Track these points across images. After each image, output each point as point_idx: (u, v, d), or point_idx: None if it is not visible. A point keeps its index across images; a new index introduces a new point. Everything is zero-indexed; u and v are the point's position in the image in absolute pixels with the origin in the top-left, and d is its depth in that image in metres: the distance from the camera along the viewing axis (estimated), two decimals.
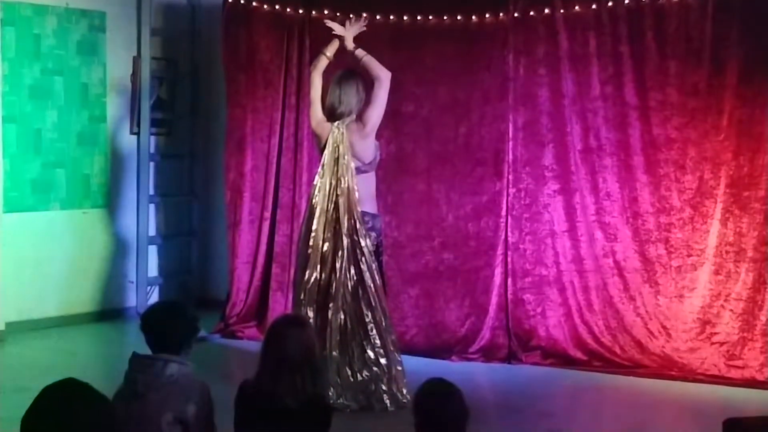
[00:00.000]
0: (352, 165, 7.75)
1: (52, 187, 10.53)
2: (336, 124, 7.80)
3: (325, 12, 9.77)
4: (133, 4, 11.13)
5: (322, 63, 8.01)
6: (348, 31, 8.01)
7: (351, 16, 8.45)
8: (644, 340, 8.93)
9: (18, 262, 10.19)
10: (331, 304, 7.67)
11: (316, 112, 7.94)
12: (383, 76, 7.82)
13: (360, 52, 7.90)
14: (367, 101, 7.88)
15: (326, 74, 8.10)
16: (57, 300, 10.61)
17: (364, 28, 8.12)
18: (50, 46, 10.48)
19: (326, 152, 7.79)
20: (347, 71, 8.04)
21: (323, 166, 7.80)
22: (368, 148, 7.86)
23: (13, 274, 10.11)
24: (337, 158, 7.74)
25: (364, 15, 8.37)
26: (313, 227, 7.76)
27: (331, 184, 7.76)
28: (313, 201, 7.81)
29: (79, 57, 10.71)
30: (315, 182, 7.87)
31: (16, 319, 10.13)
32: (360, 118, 7.85)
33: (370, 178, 7.94)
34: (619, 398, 8.50)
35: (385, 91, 7.84)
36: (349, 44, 7.96)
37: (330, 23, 8.15)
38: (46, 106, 10.47)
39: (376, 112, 7.83)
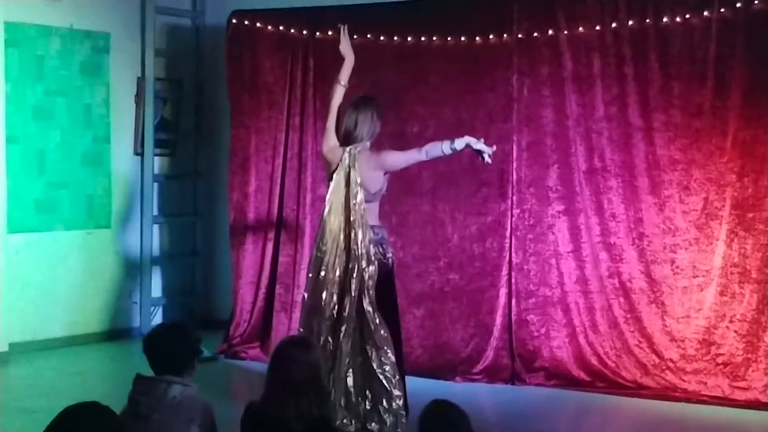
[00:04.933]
0: (362, 191, 7.71)
1: (55, 208, 10.54)
2: (348, 149, 7.78)
3: (329, 33, 9.78)
4: (137, 24, 11.18)
5: (339, 92, 7.92)
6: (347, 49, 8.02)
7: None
8: (648, 361, 8.90)
9: (22, 283, 10.20)
10: (343, 327, 7.65)
11: (329, 138, 7.89)
12: (422, 158, 7.78)
13: (449, 147, 7.69)
14: (398, 146, 7.87)
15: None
16: (61, 320, 10.61)
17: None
18: (54, 67, 10.50)
19: (337, 176, 7.76)
20: (365, 97, 8.05)
21: (333, 190, 7.78)
22: (376, 179, 7.78)
23: (17, 294, 10.12)
24: (348, 182, 7.72)
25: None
26: (324, 251, 7.77)
27: (341, 208, 7.74)
28: (323, 225, 7.80)
29: (82, 78, 10.73)
30: (326, 204, 7.84)
31: (20, 340, 10.13)
32: (379, 152, 7.82)
33: (373, 208, 7.87)
34: (623, 420, 8.48)
35: (416, 160, 7.82)
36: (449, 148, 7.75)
37: (342, 40, 8.06)
38: (50, 126, 10.49)
39: (398, 160, 7.79)
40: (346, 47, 8.02)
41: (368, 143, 7.83)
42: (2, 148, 9.97)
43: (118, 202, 11.09)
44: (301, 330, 7.86)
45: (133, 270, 11.24)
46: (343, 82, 7.95)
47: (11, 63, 10.13)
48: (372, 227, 7.76)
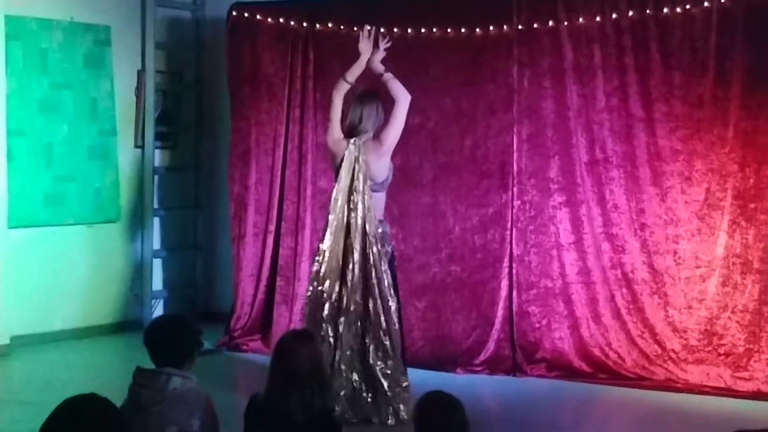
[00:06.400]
0: (368, 182, 7.76)
1: (63, 202, 10.51)
2: (353, 140, 7.82)
3: (329, 25, 9.79)
4: (137, 17, 11.15)
5: (343, 87, 8.01)
6: (371, 52, 8.04)
7: (382, 30, 8.43)
8: (651, 351, 8.90)
9: (23, 276, 10.18)
10: (342, 319, 7.69)
11: (334, 131, 7.97)
12: (403, 98, 7.88)
13: (386, 75, 7.95)
14: (385, 121, 7.93)
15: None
16: (61, 314, 10.59)
17: (385, 51, 8.16)
18: (57, 59, 10.46)
19: (342, 168, 7.81)
20: (369, 91, 8.14)
21: (339, 181, 7.82)
22: (382, 167, 7.89)
23: (18, 287, 10.10)
24: (353, 174, 7.76)
25: (386, 36, 8.32)
26: (325, 243, 7.80)
27: (345, 199, 7.78)
28: (329, 216, 7.84)
29: (86, 71, 10.70)
30: (333, 196, 7.89)
31: (21, 333, 10.11)
32: (377, 136, 7.90)
33: (380, 198, 7.97)
34: (625, 411, 8.48)
35: (404, 111, 7.89)
36: (377, 66, 8.00)
37: (362, 38, 8.12)
38: (56, 119, 10.45)
39: (394, 132, 7.88)
40: (365, 46, 8.08)
41: (371, 134, 7.88)
42: (3, 142, 9.95)
43: (123, 195, 11.07)
44: (305, 322, 7.91)
45: (133, 263, 11.23)
46: (350, 79, 8.04)
47: (14, 56, 10.10)
48: (379, 221, 7.82)
